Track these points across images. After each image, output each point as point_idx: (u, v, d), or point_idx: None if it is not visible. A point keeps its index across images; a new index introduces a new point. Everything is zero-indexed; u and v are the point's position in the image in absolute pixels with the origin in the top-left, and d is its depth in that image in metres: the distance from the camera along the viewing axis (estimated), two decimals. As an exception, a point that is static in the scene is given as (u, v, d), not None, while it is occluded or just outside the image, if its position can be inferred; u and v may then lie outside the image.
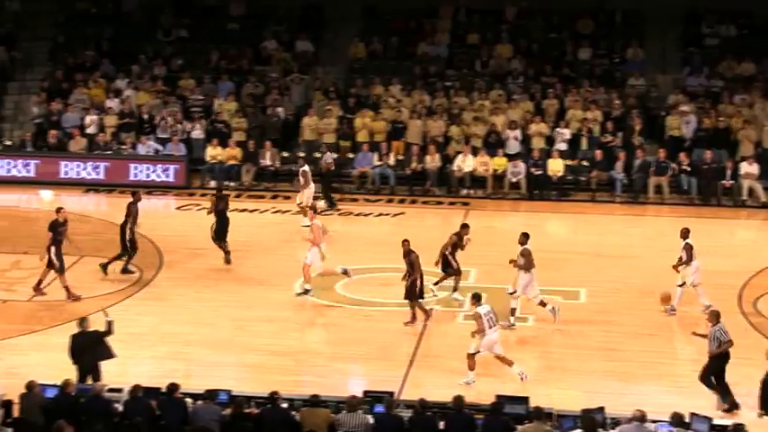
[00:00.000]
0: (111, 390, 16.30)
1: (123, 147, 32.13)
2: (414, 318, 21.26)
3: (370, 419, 15.50)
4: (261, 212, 29.15)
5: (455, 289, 22.65)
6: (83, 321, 18.06)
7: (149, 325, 21.55)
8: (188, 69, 35.09)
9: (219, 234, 24.68)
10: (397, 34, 36.02)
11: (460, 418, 15.37)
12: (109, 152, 31.95)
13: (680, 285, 21.85)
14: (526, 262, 21.19)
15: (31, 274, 23.57)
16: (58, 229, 22.46)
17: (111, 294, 22.88)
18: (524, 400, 16.03)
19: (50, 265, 22.38)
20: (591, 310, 22.35)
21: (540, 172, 31.05)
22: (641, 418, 15.11)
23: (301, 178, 27.70)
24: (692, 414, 15.42)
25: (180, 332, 21.25)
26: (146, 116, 32.95)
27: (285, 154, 32.06)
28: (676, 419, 15.23)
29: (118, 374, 18.36)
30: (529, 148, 31.85)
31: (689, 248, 21.63)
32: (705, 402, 17.37)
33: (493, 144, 31.81)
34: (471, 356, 18.75)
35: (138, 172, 31.36)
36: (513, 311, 21.32)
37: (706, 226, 27.71)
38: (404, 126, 32.40)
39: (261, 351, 20.36)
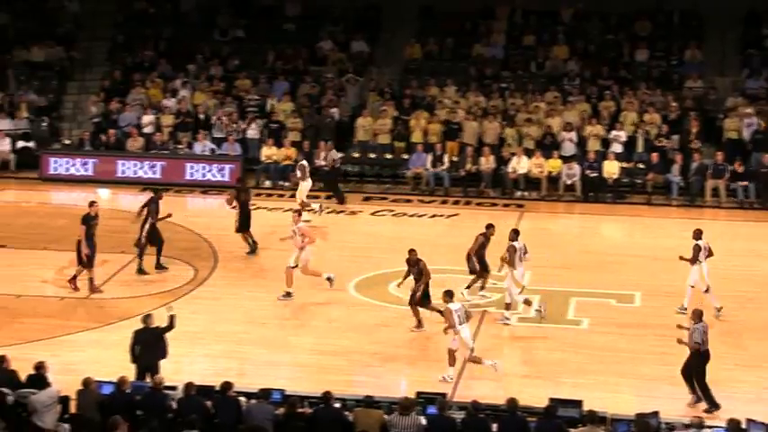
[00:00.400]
0: (166, 387, 16.43)
1: (179, 146, 32.37)
2: (419, 323, 21.20)
3: (423, 421, 15.48)
4: (313, 212, 29.19)
5: (482, 288, 22.76)
6: (147, 318, 18.23)
7: (203, 323, 21.68)
8: (244, 69, 35.27)
9: (243, 225, 25.02)
10: (453, 35, 35.97)
11: (514, 420, 15.32)
12: (165, 152, 32.21)
13: (705, 291, 21.77)
14: (510, 259, 21.19)
15: (88, 271, 23.79)
16: (89, 222, 22.70)
17: (167, 293, 23.06)
18: (578, 403, 15.94)
19: (80, 259, 22.57)
20: (645, 313, 22.17)
21: (595, 174, 30.87)
22: (699, 424, 14.96)
23: (298, 171, 27.97)
24: (749, 420, 15.25)
25: (234, 331, 21.36)
26: (202, 116, 33.17)
27: (339, 154, 32.13)
28: (733, 426, 15.05)
29: (172, 372, 18.46)
30: (584, 150, 31.68)
31: (696, 249, 21.52)
32: (763, 408, 17.17)
33: (548, 146, 31.67)
34: (452, 352, 18.89)
35: (194, 171, 31.57)
36: (507, 306, 21.50)
37: (764, 230, 27.38)
38: (458, 127, 32.35)
39: (314, 351, 20.41)
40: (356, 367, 19.87)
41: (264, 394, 16.05)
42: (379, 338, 21.13)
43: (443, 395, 16.63)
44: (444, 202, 30.47)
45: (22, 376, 16.87)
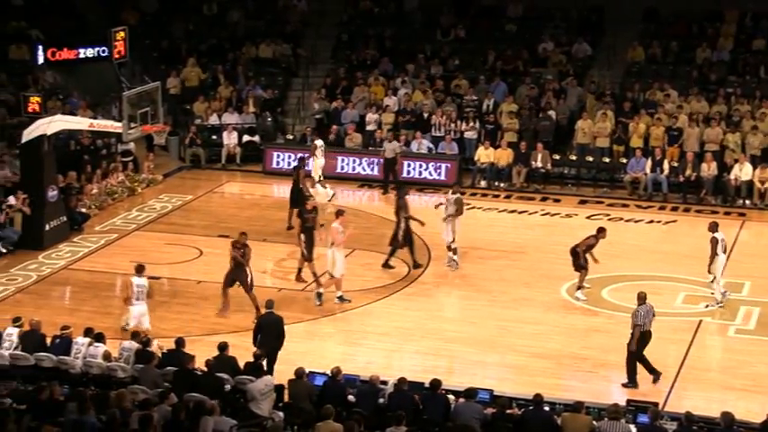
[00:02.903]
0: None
1: (398, 144, 32.72)
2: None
3: (633, 429, 15.25)
4: (530, 214, 29.07)
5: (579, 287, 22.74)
6: (270, 303, 18.69)
7: (415, 320, 21.92)
8: (464, 69, 35.43)
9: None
10: (678, 38, 35.16)
11: (728, 435, 14.94)
12: (384, 149, 32.64)
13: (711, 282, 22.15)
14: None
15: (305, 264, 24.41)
16: (305, 216, 23.28)
17: (381, 288, 23.41)
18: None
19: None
20: None
21: (825, 187, 29.58)
22: None
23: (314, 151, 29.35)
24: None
25: (444, 329, 21.52)
26: (424, 115, 33.47)
27: (557, 156, 31.90)
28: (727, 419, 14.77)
29: (383, 367, 18.83)
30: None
31: (714, 242, 21.92)
32: None
33: (774, 155, 30.56)
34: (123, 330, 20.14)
35: (411, 169, 31.88)
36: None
37: None
38: (679, 132, 31.61)
39: (524, 352, 20.38)
40: (565, 371, 19.73)
41: (472, 393, 16.12)
42: (590, 343, 20.91)
43: (655, 404, 16.34)
44: (662, 209, 29.81)
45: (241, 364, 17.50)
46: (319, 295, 22.52)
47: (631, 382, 18.99)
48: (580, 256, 22.61)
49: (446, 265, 24.54)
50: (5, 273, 24.30)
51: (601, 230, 23.04)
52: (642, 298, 19.12)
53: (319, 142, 30.01)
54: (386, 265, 24.48)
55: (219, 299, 22.17)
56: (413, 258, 24.60)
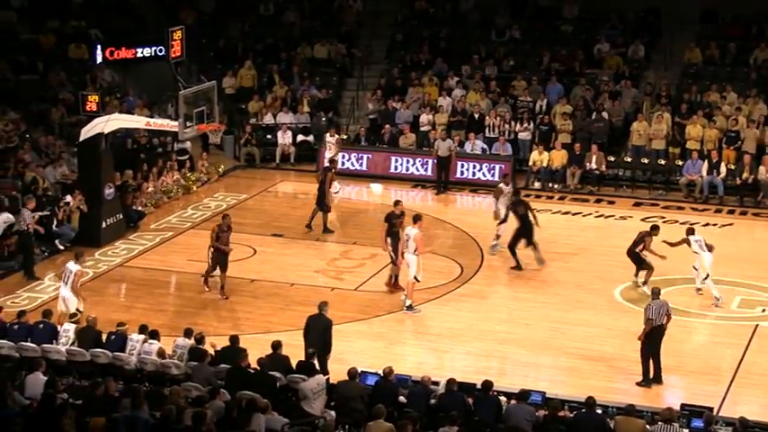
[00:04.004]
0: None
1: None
2: None
3: (686, 433, 15.16)
4: (584, 216, 28.94)
5: (645, 282, 22.90)
6: (323, 305, 18.77)
7: (466, 321, 21.91)
8: (519, 70, 35.33)
9: (528, 238, 24.72)
10: (736, 39, 34.81)
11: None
12: (437, 147, 32.60)
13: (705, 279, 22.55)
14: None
15: (359, 264, 24.50)
16: (392, 221, 23.24)
17: (433, 288, 23.41)
18: None
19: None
20: None
21: None
22: None
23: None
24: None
25: (496, 330, 21.50)
26: (476, 115, 33.43)
27: (611, 158, 31.72)
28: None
29: (435, 367, 18.84)
30: None
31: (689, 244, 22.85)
32: None
33: (835, 158, 30.17)
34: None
35: (465, 170, 31.84)
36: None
37: None
38: (736, 134, 31.30)
39: (576, 355, 20.30)
40: (618, 374, 19.62)
41: (524, 395, 16.08)
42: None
43: (710, 409, 16.21)
44: (718, 211, 29.54)
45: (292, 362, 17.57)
46: (410, 307, 22.31)
47: (645, 381, 19.01)
48: (643, 258, 23.03)
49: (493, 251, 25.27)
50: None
51: (654, 228, 23.44)
52: (656, 293, 19.20)
53: (333, 137, 30.79)
54: (517, 266, 24.60)
55: (271, 296, 22.35)
56: (537, 256, 24.71)
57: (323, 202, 26.95)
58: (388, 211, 23.70)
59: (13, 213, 25.35)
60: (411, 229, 22.34)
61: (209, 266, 23.21)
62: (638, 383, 18.97)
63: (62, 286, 21.02)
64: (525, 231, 24.51)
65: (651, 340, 18.96)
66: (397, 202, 23.91)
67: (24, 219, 24.46)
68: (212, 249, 23.08)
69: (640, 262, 23.15)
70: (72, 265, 21.01)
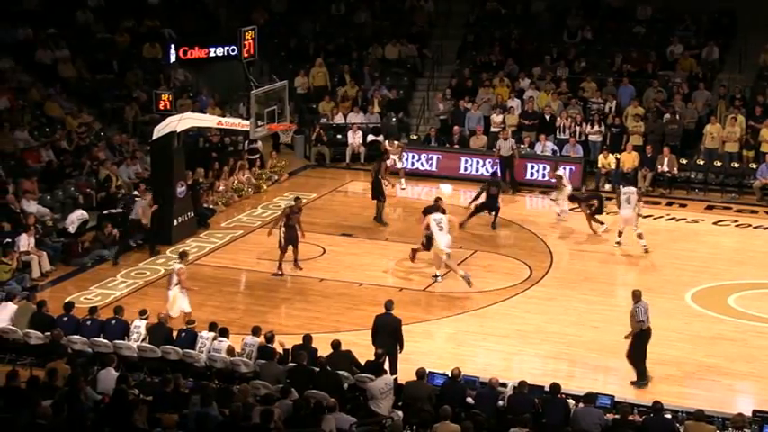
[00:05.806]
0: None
1: (522, 146, 32.60)
2: None
3: (757, 440, 14.99)
4: (654, 219, 28.64)
5: None
6: (389, 304, 18.82)
7: (536, 323, 21.83)
8: (590, 71, 35.10)
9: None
10: (813, 41, 34.34)
11: None
12: (499, 147, 32.49)
13: None
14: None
15: (426, 264, 24.49)
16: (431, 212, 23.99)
17: (502, 290, 23.37)
18: None
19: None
20: None
21: None
22: None
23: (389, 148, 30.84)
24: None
25: (565, 332, 21.39)
26: (547, 117, 33.28)
27: (684, 161, 31.40)
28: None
29: (503, 369, 18.79)
30: None
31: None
32: None
33: None
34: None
35: (535, 171, 31.71)
36: None
37: None
38: (812, 137, 30.85)
39: (647, 359, 20.09)
40: (688, 379, 19.43)
41: (592, 398, 16.00)
42: (715, 351, 20.56)
43: (782, 416, 16.01)
44: (793, 215, 29.14)
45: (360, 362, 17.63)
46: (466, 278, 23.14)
47: (641, 379, 18.94)
48: None
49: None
50: (135, 266, 24.91)
51: None
52: (638, 296, 19.04)
53: (391, 146, 31.18)
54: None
55: (339, 296, 22.50)
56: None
57: (378, 192, 27.51)
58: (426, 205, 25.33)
59: (87, 211, 25.73)
60: (176, 264, 21.75)
61: (281, 245, 24.01)
62: (632, 383, 18.86)
63: (171, 288, 20.99)
64: (489, 205, 27.10)
65: (642, 342, 18.92)
66: (437, 200, 25.03)
67: (137, 209, 26.02)
68: (283, 229, 23.87)
69: None
70: (176, 265, 21.23)
